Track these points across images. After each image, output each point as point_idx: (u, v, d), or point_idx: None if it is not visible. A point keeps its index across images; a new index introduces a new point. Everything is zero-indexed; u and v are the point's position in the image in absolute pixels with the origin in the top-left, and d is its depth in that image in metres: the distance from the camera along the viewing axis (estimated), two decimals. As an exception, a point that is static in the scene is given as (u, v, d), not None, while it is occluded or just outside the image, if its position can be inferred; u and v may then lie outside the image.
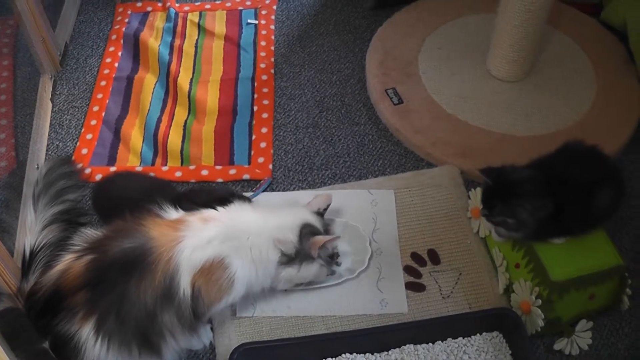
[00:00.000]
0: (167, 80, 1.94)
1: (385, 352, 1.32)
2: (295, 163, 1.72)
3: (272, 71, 1.96)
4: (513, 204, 1.27)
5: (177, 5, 2.18)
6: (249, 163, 1.71)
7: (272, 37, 2.07)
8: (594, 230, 1.33)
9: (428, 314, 1.39)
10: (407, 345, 1.33)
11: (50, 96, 1.90)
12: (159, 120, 1.83)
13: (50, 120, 1.84)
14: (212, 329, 1.38)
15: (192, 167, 1.70)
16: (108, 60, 2.00)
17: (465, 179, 1.64)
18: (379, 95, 1.81)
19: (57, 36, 1.97)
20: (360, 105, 1.86)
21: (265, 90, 1.90)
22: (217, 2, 2.20)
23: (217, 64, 1.99)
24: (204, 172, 1.69)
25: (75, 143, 1.78)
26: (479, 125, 1.72)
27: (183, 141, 1.78)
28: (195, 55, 2.02)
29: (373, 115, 1.83)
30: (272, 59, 2.00)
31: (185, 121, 1.83)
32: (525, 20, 1.66)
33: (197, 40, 2.07)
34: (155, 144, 1.77)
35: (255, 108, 1.85)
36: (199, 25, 2.11)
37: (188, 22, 2.12)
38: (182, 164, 1.72)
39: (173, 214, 1.28)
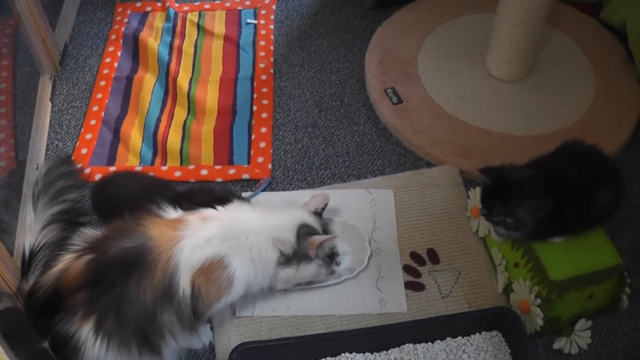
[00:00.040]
0: (167, 80, 1.94)
1: (385, 352, 1.32)
2: (295, 163, 1.72)
3: (272, 71, 1.96)
4: (512, 204, 1.27)
5: (176, 5, 2.18)
6: (249, 163, 1.71)
7: (272, 37, 2.07)
8: (594, 230, 1.33)
9: (427, 314, 1.39)
10: (407, 344, 1.33)
11: (49, 96, 1.90)
12: (159, 120, 1.83)
13: (50, 120, 1.84)
14: (211, 328, 1.38)
15: (191, 167, 1.70)
16: (107, 60, 2.00)
17: (465, 178, 1.64)
18: (378, 95, 1.82)
19: (57, 36, 1.97)
20: (360, 105, 1.86)
21: (264, 90, 1.90)
22: (217, 2, 2.20)
23: (217, 63, 1.99)
24: (204, 172, 1.69)
25: (75, 143, 1.78)
26: (478, 125, 1.73)
27: (182, 141, 1.78)
28: (194, 55, 2.02)
29: (372, 115, 1.83)
30: (272, 59, 2.00)
31: (185, 121, 1.83)
32: (525, 19, 1.67)
33: (196, 40, 2.07)
34: (155, 143, 1.77)
35: (254, 108, 1.85)
36: (198, 25, 2.11)
37: (187, 22, 2.12)
38: (181, 164, 1.72)
39: (172, 213, 1.28)
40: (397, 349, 1.32)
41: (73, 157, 1.72)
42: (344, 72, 1.95)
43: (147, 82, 1.93)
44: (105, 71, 1.97)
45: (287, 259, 1.30)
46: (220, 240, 1.23)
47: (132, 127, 1.81)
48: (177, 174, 1.69)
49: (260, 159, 1.71)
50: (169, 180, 1.65)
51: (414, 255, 1.49)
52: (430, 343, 1.33)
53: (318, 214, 1.41)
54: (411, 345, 1.33)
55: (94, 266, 1.15)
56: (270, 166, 1.70)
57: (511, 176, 1.30)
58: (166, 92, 1.92)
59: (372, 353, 1.32)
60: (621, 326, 1.39)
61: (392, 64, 1.89)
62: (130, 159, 1.74)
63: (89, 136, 1.79)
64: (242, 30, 2.10)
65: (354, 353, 1.32)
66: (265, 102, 1.86)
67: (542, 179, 1.28)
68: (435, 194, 1.60)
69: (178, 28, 2.10)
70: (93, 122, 1.82)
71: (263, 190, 1.63)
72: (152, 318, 1.16)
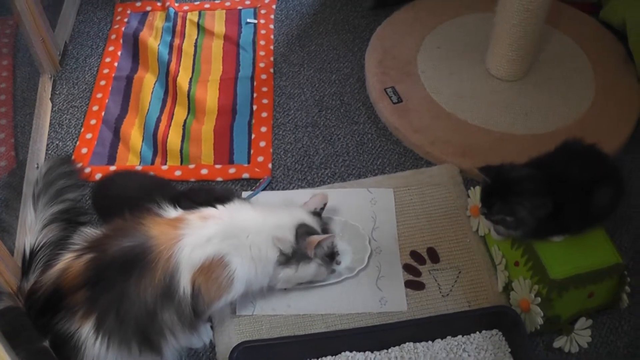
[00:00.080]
0: (167, 80, 1.94)
1: (385, 350, 1.32)
2: (295, 162, 1.72)
3: (272, 70, 1.96)
4: (512, 202, 1.27)
5: (176, 4, 2.18)
6: (249, 162, 1.71)
7: (272, 37, 2.07)
8: (593, 229, 1.33)
9: (427, 312, 1.39)
10: (407, 343, 1.33)
11: (49, 96, 1.90)
12: (159, 119, 1.83)
13: (50, 120, 1.84)
14: (212, 327, 1.38)
15: (191, 166, 1.71)
16: (107, 59, 2.00)
17: (465, 177, 1.64)
18: (378, 94, 1.82)
19: (57, 36, 1.98)
20: (360, 104, 1.86)
21: (264, 89, 1.90)
22: (217, 1, 2.20)
23: (217, 63, 1.99)
24: (204, 171, 1.69)
25: (75, 142, 1.78)
26: (478, 124, 1.73)
27: (182, 140, 1.78)
28: (194, 55, 2.02)
29: (372, 114, 1.83)
30: (272, 58, 2.00)
31: (185, 120, 1.83)
32: (524, 19, 1.67)
33: (196, 39, 2.07)
34: (155, 143, 1.77)
35: (254, 107, 1.85)
36: (198, 25, 2.11)
37: (187, 21, 2.12)
38: (181, 163, 1.72)
39: (172, 212, 1.28)
40: (397, 347, 1.33)
41: (73, 157, 1.72)
42: (344, 72, 1.95)
43: (147, 81, 1.93)
44: (105, 71, 1.97)
45: (287, 259, 1.30)
46: (220, 239, 1.23)
47: (132, 126, 1.81)
48: (177, 173, 1.69)
49: (260, 158, 1.71)
50: (169, 180, 1.65)
51: (414, 254, 1.49)
52: (430, 342, 1.33)
53: (317, 213, 1.41)
54: (411, 344, 1.33)
55: (94, 265, 1.15)
56: (270, 165, 1.70)
57: (511, 175, 1.30)
58: (166, 92, 1.92)
59: (372, 352, 1.32)
60: (621, 325, 1.39)
61: (392, 64, 1.89)
62: (131, 159, 1.74)
63: (89, 136, 1.79)
64: (242, 29, 2.10)
65: (354, 352, 1.32)
66: (265, 101, 1.86)
67: (542, 177, 1.28)
68: (435, 193, 1.60)
69: (178, 28, 2.10)
70: (93, 121, 1.83)
71: (263, 190, 1.64)
72: (152, 317, 1.16)
